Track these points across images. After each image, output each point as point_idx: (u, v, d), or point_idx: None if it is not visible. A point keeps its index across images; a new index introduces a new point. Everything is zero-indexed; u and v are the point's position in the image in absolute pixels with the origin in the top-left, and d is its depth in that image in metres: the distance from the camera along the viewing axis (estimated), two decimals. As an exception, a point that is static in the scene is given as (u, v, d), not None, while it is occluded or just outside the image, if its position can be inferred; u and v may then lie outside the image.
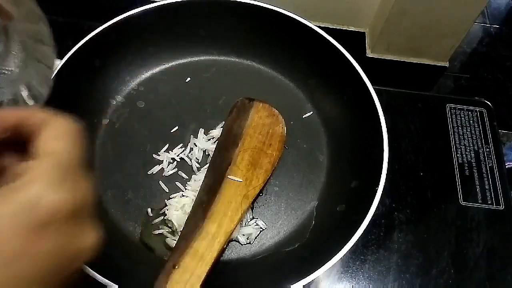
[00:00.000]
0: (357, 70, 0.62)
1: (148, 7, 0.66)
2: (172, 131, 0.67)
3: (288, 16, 0.66)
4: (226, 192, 0.56)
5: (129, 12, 0.65)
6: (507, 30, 1.43)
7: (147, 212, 0.60)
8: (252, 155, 0.59)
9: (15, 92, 0.36)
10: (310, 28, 0.65)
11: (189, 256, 0.50)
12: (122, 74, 0.69)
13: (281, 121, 0.64)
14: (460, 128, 0.77)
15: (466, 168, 0.73)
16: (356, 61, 0.62)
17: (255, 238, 0.59)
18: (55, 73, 0.59)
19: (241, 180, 0.57)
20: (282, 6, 0.66)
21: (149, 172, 0.63)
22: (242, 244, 0.59)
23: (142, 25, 0.67)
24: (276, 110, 0.64)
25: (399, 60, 1.04)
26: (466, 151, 0.75)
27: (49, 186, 0.27)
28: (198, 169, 0.63)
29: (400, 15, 0.83)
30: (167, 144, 0.65)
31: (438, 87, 1.23)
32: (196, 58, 0.73)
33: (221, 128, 0.66)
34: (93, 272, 0.47)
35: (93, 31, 0.63)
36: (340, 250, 0.50)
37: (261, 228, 0.60)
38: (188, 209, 0.58)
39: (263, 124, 0.62)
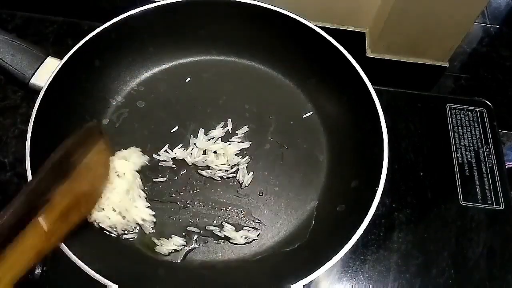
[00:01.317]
0: (357, 70, 0.62)
1: (148, 7, 0.66)
2: (172, 131, 0.67)
3: (288, 16, 0.66)
4: (27, 237, 0.44)
5: (129, 12, 0.65)
6: (507, 30, 1.43)
7: (147, 212, 0.60)
8: (71, 201, 0.48)
9: None
10: (310, 28, 0.65)
11: None
12: (122, 74, 0.70)
13: (107, 178, 0.55)
14: (460, 128, 0.77)
15: (466, 168, 0.73)
16: (356, 61, 0.62)
17: (254, 239, 0.59)
18: (55, 72, 0.59)
19: (46, 230, 0.45)
20: (282, 6, 0.66)
21: (149, 172, 0.63)
22: (242, 244, 0.59)
23: (142, 25, 0.67)
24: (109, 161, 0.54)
25: (399, 60, 1.04)
26: (466, 151, 0.75)
27: None
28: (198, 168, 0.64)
29: (400, 15, 0.83)
30: (167, 144, 0.65)
31: (438, 87, 1.23)
32: (196, 58, 0.73)
33: (221, 128, 0.66)
34: (93, 272, 0.48)
35: (93, 31, 0.63)
36: (340, 250, 0.50)
37: (257, 229, 0.60)
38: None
39: (95, 172, 0.52)
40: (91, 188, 0.52)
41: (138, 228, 0.58)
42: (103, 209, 0.55)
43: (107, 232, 0.57)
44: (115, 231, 0.57)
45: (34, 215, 0.44)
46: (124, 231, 0.57)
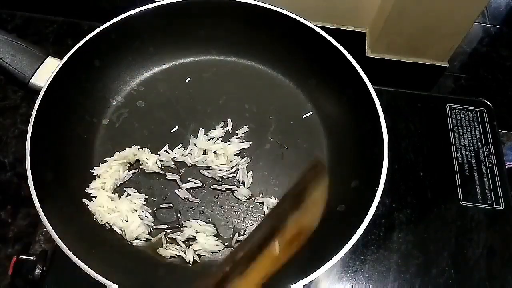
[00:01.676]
0: (357, 70, 0.62)
1: (148, 7, 0.66)
2: (172, 131, 0.67)
3: (288, 16, 0.66)
4: (264, 258, 0.46)
5: (129, 12, 0.65)
6: (507, 30, 1.43)
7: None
8: (296, 232, 0.49)
9: None
10: (310, 28, 0.65)
11: None
12: (122, 74, 0.70)
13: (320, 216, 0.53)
14: (460, 128, 0.77)
15: (466, 168, 0.73)
16: (356, 61, 0.62)
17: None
18: (55, 72, 0.59)
19: (277, 254, 0.47)
20: (282, 6, 0.66)
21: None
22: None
23: (142, 25, 0.67)
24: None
25: (399, 60, 1.04)
26: (466, 151, 0.75)
27: None
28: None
29: (400, 15, 0.83)
30: (167, 144, 0.65)
31: (438, 87, 1.23)
32: (196, 58, 0.73)
33: (221, 128, 0.66)
34: (93, 272, 0.47)
35: (93, 31, 0.63)
36: (340, 250, 0.50)
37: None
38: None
39: (317, 207, 0.52)
40: (310, 222, 0.52)
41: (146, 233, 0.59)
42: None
43: (118, 234, 0.57)
44: (125, 235, 0.57)
45: (271, 239, 0.47)
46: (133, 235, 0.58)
